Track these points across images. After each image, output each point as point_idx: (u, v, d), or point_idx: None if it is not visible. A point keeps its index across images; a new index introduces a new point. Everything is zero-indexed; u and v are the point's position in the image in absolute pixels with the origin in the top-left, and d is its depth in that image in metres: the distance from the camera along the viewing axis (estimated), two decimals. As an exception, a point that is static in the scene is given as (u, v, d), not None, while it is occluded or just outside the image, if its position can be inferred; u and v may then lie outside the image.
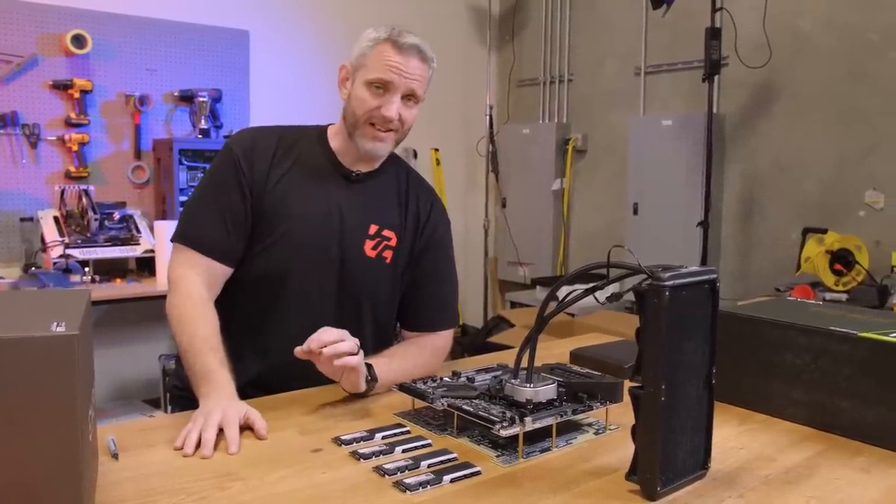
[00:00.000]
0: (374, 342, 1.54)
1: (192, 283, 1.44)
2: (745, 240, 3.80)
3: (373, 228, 1.55)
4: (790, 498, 1.00)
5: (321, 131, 1.60)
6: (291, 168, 1.52)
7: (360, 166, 1.56)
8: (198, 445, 1.14)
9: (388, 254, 1.56)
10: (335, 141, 1.57)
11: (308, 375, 1.35)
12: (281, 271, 1.50)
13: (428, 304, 1.62)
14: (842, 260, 3.03)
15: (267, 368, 1.51)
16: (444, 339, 1.60)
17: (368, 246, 1.54)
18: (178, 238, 1.50)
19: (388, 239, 1.56)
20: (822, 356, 1.24)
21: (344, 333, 1.29)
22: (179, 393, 1.57)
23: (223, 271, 1.48)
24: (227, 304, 1.50)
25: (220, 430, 1.17)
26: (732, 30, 3.55)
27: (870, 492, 1.02)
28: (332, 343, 1.26)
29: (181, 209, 1.58)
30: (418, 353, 1.53)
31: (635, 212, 4.07)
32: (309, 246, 1.50)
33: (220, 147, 1.57)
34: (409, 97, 1.49)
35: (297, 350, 1.26)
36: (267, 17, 4.00)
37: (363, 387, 1.35)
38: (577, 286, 1.12)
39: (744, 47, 3.58)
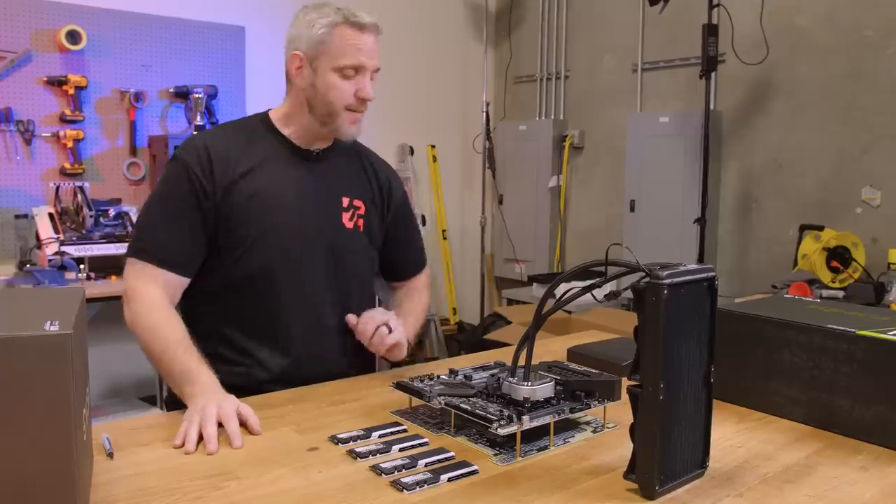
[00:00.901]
0: (359, 300, 1.63)
1: (152, 293, 1.42)
2: (742, 237, 3.80)
3: (345, 201, 1.61)
4: (789, 496, 1.00)
5: (264, 120, 1.60)
6: (253, 163, 1.53)
7: (318, 145, 1.60)
8: (199, 442, 1.14)
9: (360, 222, 1.63)
10: (288, 128, 1.58)
11: (331, 362, 1.56)
12: (278, 263, 1.52)
13: (408, 256, 1.80)
14: (838, 257, 3.03)
15: (290, 362, 1.53)
16: (425, 276, 1.84)
17: (345, 218, 1.60)
18: (132, 253, 1.47)
19: (358, 208, 1.63)
20: (820, 354, 1.24)
21: (386, 315, 1.49)
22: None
23: (180, 282, 1.48)
24: (232, 309, 1.52)
25: (218, 426, 1.18)
26: (729, 26, 3.55)
27: (868, 490, 1.02)
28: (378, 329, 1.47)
29: (136, 222, 1.57)
30: (419, 300, 1.77)
31: (632, 209, 4.07)
32: (296, 232, 1.53)
33: (171, 160, 1.54)
34: (375, 72, 1.53)
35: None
36: (263, 12, 3.98)
37: (405, 355, 1.53)
38: (574, 284, 1.12)
39: (741, 44, 3.58)
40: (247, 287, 1.51)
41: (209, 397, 1.24)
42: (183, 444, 1.13)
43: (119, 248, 3.24)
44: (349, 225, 1.60)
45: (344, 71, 1.49)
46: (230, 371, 1.46)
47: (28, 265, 3.07)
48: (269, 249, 1.51)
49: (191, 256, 1.48)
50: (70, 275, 3.03)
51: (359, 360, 1.63)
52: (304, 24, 1.52)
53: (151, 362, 1.39)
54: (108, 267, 3.23)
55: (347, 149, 1.65)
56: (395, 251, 1.75)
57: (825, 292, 2.97)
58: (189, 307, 1.55)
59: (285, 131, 1.58)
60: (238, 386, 1.35)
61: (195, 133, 1.59)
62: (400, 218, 1.74)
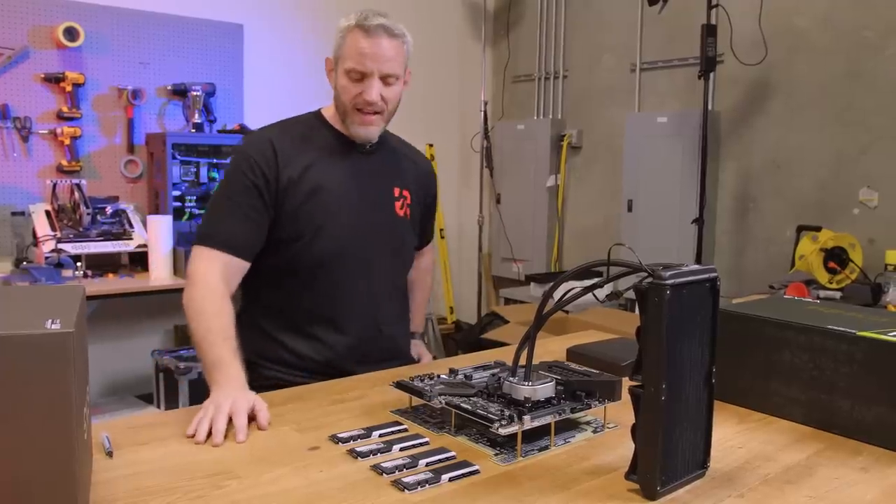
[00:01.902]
0: (401, 272, 1.79)
1: (210, 277, 1.50)
2: (740, 237, 3.81)
3: (396, 191, 1.74)
4: (789, 497, 1.00)
5: (318, 116, 1.71)
6: (312, 156, 1.63)
7: (366, 140, 1.70)
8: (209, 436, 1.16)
9: (407, 211, 1.76)
10: (336, 122, 1.69)
11: (376, 350, 1.68)
12: (340, 246, 1.63)
13: (425, 234, 1.94)
14: (836, 258, 3.04)
15: (341, 350, 1.64)
16: (430, 254, 2.02)
17: (397, 207, 1.74)
18: (197, 240, 1.57)
19: (405, 198, 1.76)
20: (820, 355, 1.24)
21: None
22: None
23: (240, 266, 1.57)
24: (295, 293, 1.63)
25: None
26: (728, 27, 3.55)
27: (869, 491, 1.02)
28: None
29: (204, 213, 1.70)
30: (424, 286, 1.98)
31: (630, 209, 4.07)
32: (356, 223, 1.64)
33: (235, 154, 1.64)
34: (388, 76, 1.59)
35: None
36: (261, 10, 3.97)
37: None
38: (573, 283, 1.12)
39: (739, 44, 3.58)
40: (309, 274, 1.62)
41: (228, 391, 1.27)
42: (194, 436, 1.16)
43: (116, 246, 3.24)
44: (401, 213, 1.74)
45: (350, 74, 1.58)
46: (286, 351, 1.64)
47: (25, 263, 3.06)
48: (330, 240, 1.61)
49: (250, 242, 1.58)
50: (67, 272, 3.02)
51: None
52: (336, 29, 1.62)
53: (194, 344, 1.45)
54: (104, 265, 3.22)
55: (391, 142, 1.78)
56: (419, 230, 1.88)
57: (822, 293, 2.98)
58: (254, 286, 1.66)
59: (338, 127, 1.69)
60: (296, 365, 1.59)
61: (255, 130, 1.70)
62: (431, 206, 1.91)
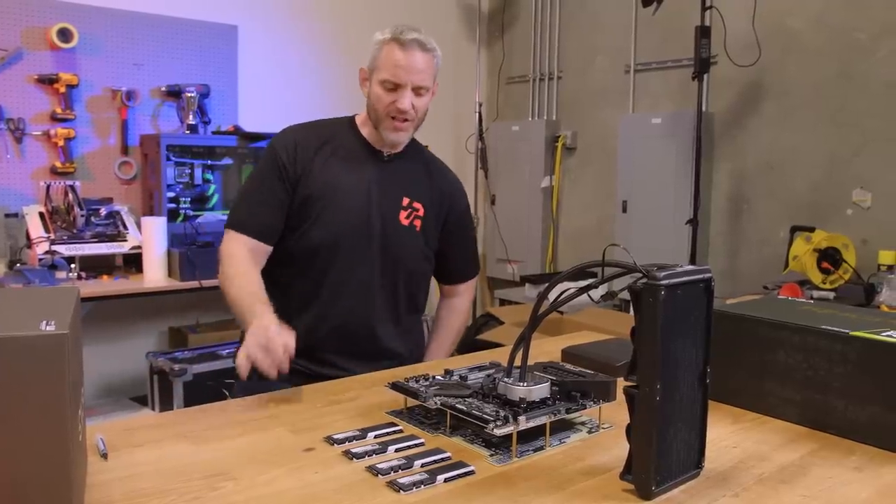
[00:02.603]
0: (406, 292, 1.81)
1: (239, 255, 1.68)
2: (734, 238, 3.82)
3: (405, 201, 1.79)
4: (784, 497, 1.00)
5: (351, 121, 1.83)
6: (332, 155, 1.75)
7: (389, 149, 1.79)
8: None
9: (417, 223, 1.80)
10: (365, 129, 1.79)
11: (358, 343, 1.74)
12: (332, 239, 1.71)
13: (457, 260, 1.96)
14: (829, 258, 3.05)
15: (322, 336, 1.72)
16: (468, 295, 2.02)
17: (402, 216, 1.78)
18: (227, 225, 1.74)
19: (417, 210, 1.80)
20: (814, 355, 1.24)
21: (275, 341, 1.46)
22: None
23: (264, 249, 1.72)
24: (292, 276, 1.74)
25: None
26: (722, 28, 3.56)
27: (863, 490, 1.03)
28: None
29: (234, 201, 1.87)
30: (451, 327, 1.99)
31: (624, 209, 4.08)
32: (354, 216, 1.73)
33: (265, 150, 1.80)
34: (419, 88, 1.70)
35: None
36: (255, 11, 3.97)
37: None
38: (568, 284, 1.12)
39: (733, 46, 3.59)
40: (302, 262, 1.73)
41: (268, 319, 1.45)
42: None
43: (110, 248, 3.23)
44: (405, 222, 1.78)
45: (384, 84, 1.69)
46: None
47: (18, 264, 3.06)
48: (324, 229, 1.71)
49: (272, 227, 1.72)
50: (61, 274, 3.01)
51: (407, 349, 1.84)
52: (372, 42, 1.72)
53: (231, 308, 1.61)
54: (99, 266, 3.22)
55: (418, 157, 1.86)
56: (449, 256, 1.91)
57: (816, 293, 2.99)
58: (266, 269, 1.76)
59: (363, 131, 1.79)
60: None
61: (286, 128, 1.83)
62: (458, 227, 1.91)
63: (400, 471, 1.04)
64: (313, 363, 1.71)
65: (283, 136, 1.78)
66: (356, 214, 1.73)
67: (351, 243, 1.73)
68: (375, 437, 1.17)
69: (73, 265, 3.07)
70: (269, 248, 1.73)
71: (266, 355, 1.36)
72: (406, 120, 1.71)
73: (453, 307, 2.00)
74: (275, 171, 1.72)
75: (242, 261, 1.67)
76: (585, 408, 1.19)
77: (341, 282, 1.73)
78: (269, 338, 1.38)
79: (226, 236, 1.73)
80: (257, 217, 1.72)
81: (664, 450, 0.99)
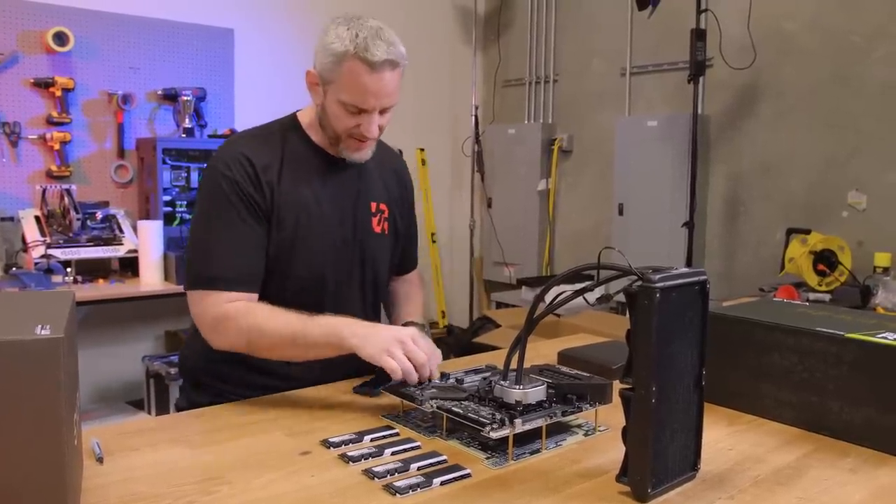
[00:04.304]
0: (373, 299, 1.64)
1: (238, 307, 1.40)
2: (730, 240, 3.82)
3: (373, 206, 1.61)
4: (780, 499, 1.00)
5: (294, 124, 1.56)
6: (291, 171, 1.50)
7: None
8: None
9: (386, 226, 1.63)
10: (315, 133, 1.54)
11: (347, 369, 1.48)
12: (318, 271, 1.52)
13: (410, 253, 1.79)
14: (825, 260, 3.06)
15: (308, 366, 1.46)
16: (417, 272, 1.85)
17: (374, 223, 1.60)
18: (203, 285, 1.42)
19: (384, 212, 1.63)
20: (809, 357, 1.24)
21: (427, 349, 1.33)
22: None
23: (254, 300, 1.45)
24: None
25: None
26: (717, 31, 3.57)
27: (858, 492, 1.03)
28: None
29: (187, 251, 1.50)
30: (419, 291, 1.79)
31: (620, 212, 4.08)
32: (333, 242, 1.53)
33: (211, 175, 1.47)
34: (388, 108, 1.47)
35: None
36: (252, 15, 3.97)
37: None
38: (564, 287, 1.12)
39: (729, 48, 3.60)
40: (277, 298, 1.43)
41: (387, 329, 1.35)
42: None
43: (106, 252, 3.23)
44: (378, 230, 1.61)
45: (347, 106, 1.43)
46: (257, 365, 1.48)
47: (14, 268, 3.05)
48: (305, 257, 1.49)
49: (257, 272, 1.46)
50: (57, 278, 3.01)
51: None
52: (323, 42, 1.43)
53: (285, 353, 1.39)
54: (95, 270, 3.21)
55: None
56: (400, 246, 1.72)
57: (812, 295, 3.00)
58: None
59: (314, 136, 1.55)
60: (261, 385, 1.44)
61: (227, 142, 1.54)
62: (406, 213, 1.73)
63: (396, 474, 1.04)
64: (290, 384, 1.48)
65: (233, 161, 1.44)
66: (334, 236, 1.53)
67: (336, 269, 1.54)
68: (372, 440, 1.17)
69: (69, 269, 3.07)
70: (256, 297, 1.45)
71: (422, 367, 1.28)
72: (368, 140, 1.49)
73: (409, 279, 1.80)
74: (242, 205, 1.43)
75: (252, 307, 1.40)
76: (581, 410, 1.19)
77: (327, 308, 1.44)
78: (417, 346, 1.28)
79: (204, 299, 1.41)
80: (239, 266, 1.42)
81: (660, 452, 0.99)
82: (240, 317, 1.38)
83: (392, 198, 1.67)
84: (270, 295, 1.45)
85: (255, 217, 1.44)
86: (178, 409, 1.61)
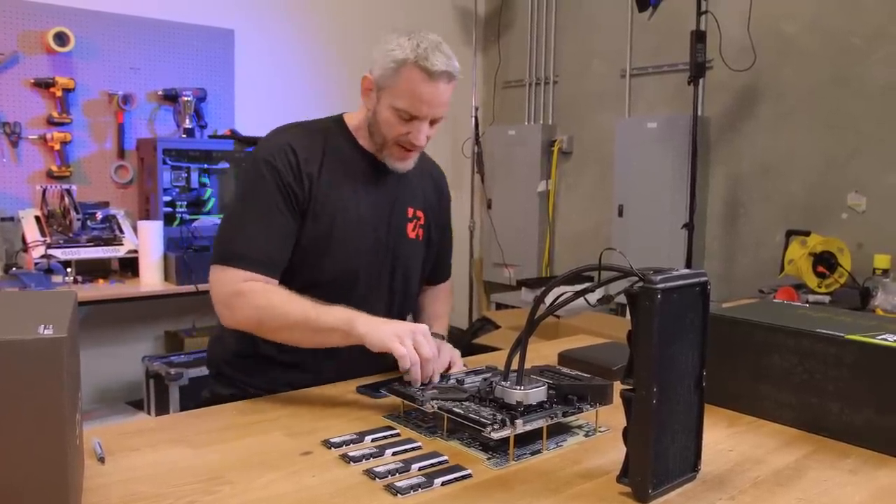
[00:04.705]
0: (400, 306, 1.66)
1: (254, 286, 1.42)
2: (730, 242, 3.83)
3: (410, 211, 1.64)
4: (779, 499, 1.00)
5: (341, 124, 1.60)
6: (335, 171, 1.53)
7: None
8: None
9: (420, 232, 1.66)
10: (362, 137, 1.58)
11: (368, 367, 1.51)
12: (350, 269, 1.54)
13: (444, 263, 1.82)
14: (824, 262, 3.06)
15: (333, 365, 1.50)
16: (450, 282, 1.88)
17: (409, 228, 1.63)
18: (223, 260, 1.44)
19: (419, 219, 1.66)
20: (809, 358, 1.25)
21: (433, 347, 1.34)
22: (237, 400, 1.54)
23: (273, 284, 1.46)
24: None
25: None
26: (717, 33, 3.57)
27: (858, 493, 1.03)
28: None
29: (218, 229, 1.52)
30: (445, 303, 1.82)
31: (620, 213, 4.09)
32: (368, 245, 1.56)
33: (254, 161, 1.50)
34: (438, 119, 1.51)
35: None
36: (252, 16, 3.97)
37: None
38: (564, 288, 1.12)
39: (729, 50, 3.61)
40: (314, 290, 1.45)
41: (395, 324, 1.35)
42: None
43: (106, 252, 3.23)
44: (412, 235, 1.64)
45: (399, 112, 1.46)
46: (280, 366, 1.53)
47: (14, 268, 3.05)
48: (336, 263, 1.52)
49: (281, 259, 1.48)
50: (57, 278, 3.01)
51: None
52: (383, 50, 1.46)
53: (293, 335, 1.40)
54: (95, 270, 3.21)
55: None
56: (433, 254, 1.75)
57: (812, 297, 3.00)
58: None
59: (361, 140, 1.58)
60: (285, 381, 1.47)
61: (273, 131, 1.57)
62: (443, 223, 1.77)
63: (397, 474, 1.04)
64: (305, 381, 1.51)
65: (279, 151, 1.49)
66: (370, 239, 1.56)
67: (368, 270, 1.57)
68: (373, 440, 1.17)
69: (69, 269, 3.07)
70: (276, 283, 1.47)
71: (428, 362, 1.29)
72: (415, 148, 1.53)
73: (440, 289, 1.84)
74: (279, 194, 1.46)
75: (268, 287, 1.42)
76: (582, 411, 1.20)
77: (359, 308, 1.42)
78: (427, 341, 1.30)
79: (222, 273, 1.43)
80: (266, 248, 1.45)
81: (661, 453, 0.99)
82: (254, 295, 1.40)
83: (429, 205, 1.69)
84: (299, 289, 1.45)
85: (289, 208, 1.47)
86: (203, 400, 1.62)
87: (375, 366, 1.53)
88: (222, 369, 1.63)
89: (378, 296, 1.60)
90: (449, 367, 1.44)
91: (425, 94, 1.44)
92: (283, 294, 1.41)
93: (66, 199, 3.26)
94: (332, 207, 1.51)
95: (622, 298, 1.00)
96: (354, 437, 1.18)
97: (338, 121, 1.61)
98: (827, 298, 2.99)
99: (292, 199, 1.47)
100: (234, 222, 1.49)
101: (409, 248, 1.63)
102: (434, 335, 1.50)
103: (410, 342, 1.29)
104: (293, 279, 1.48)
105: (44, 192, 3.27)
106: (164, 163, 3.43)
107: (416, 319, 1.77)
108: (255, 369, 1.57)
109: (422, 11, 4.63)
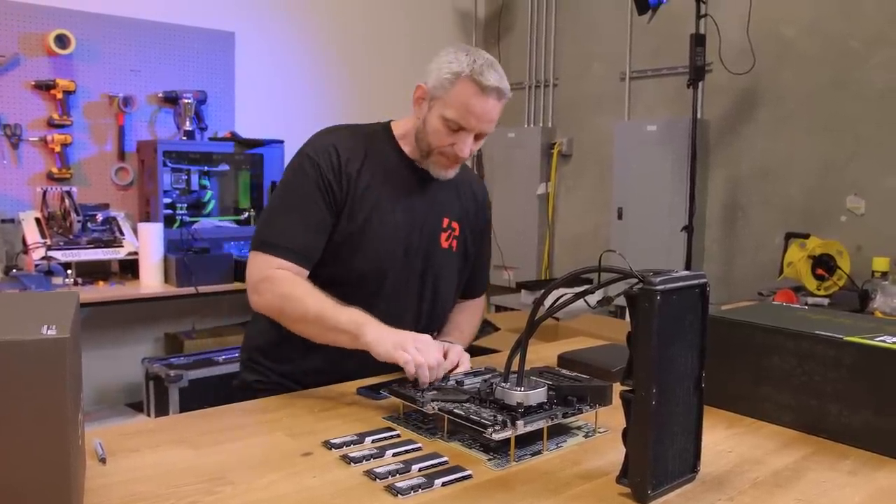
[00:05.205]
0: (428, 316, 1.67)
1: (284, 274, 1.48)
2: (729, 244, 3.83)
3: (445, 221, 1.67)
4: (778, 500, 1.01)
5: (388, 131, 1.66)
6: (374, 173, 1.58)
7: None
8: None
9: (454, 243, 1.69)
10: (407, 145, 1.63)
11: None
12: (378, 270, 1.58)
13: (477, 278, 1.82)
14: (824, 265, 3.07)
15: (354, 360, 1.48)
16: (482, 299, 1.87)
17: (443, 237, 1.66)
18: (258, 246, 1.52)
19: (454, 229, 1.69)
20: (808, 360, 1.25)
21: (435, 353, 1.36)
22: (261, 387, 1.63)
23: (302, 274, 1.52)
24: None
25: None
26: (717, 36, 3.58)
27: (856, 494, 1.03)
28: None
29: (260, 217, 1.60)
30: (472, 319, 1.80)
31: (620, 216, 4.09)
32: (398, 249, 1.59)
33: (299, 157, 1.58)
34: (484, 134, 1.55)
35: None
36: (252, 18, 3.98)
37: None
38: (564, 290, 1.13)
39: (728, 53, 3.61)
40: (337, 291, 1.48)
41: (399, 334, 1.37)
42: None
43: (106, 254, 3.23)
44: (445, 245, 1.66)
45: (448, 122, 1.51)
46: (305, 354, 1.57)
47: (14, 270, 3.05)
48: (366, 261, 1.56)
49: (314, 250, 1.54)
50: (57, 280, 3.01)
51: None
52: (440, 62, 1.53)
53: (308, 329, 1.45)
54: (95, 272, 3.22)
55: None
56: (469, 267, 1.77)
57: (811, 300, 3.01)
58: None
59: (405, 147, 1.63)
60: (314, 369, 1.53)
61: (320, 132, 1.63)
62: (480, 238, 1.79)
63: (398, 475, 1.04)
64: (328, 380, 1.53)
65: (322, 149, 1.56)
66: (402, 243, 1.59)
67: (397, 273, 1.59)
68: (373, 441, 1.18)
69: (69, 271, 3.07)
70: (306, 273, 1.53)
71: (431, 369, 1.31)
72: (459, 160, 1.58)
73: (471, 304, 1.84)
74: (319, 191, 1.53)
75: (295, 278, 1.48)
76: (582, 412, 1.20)
77: (377, 311, 1.46)
78: (429, 348, 1.34)
79: (257, 259, 1.51)
80: (299, 238, 1.51)
81: (660, 454, 1.00)
82: (281, 283, 1.47)
83: (466, 217, 1.72)
84: (327, 283, 1.49)
85: (327, 204, 1.53)
86: (233, 387, 1.70)
87: (394, 364, 1.52)
88: (252, 354, 1.68)
89: (406, 302, 1.62)
90: (454, 368, 1.45)
91: (476, 106, 1.49)
92: (307, 287, 1.46)
93: (67, 201, 3.26)
94: (369, 207, 1.56)
95: (622, 300, 1.01)
96: (355, 438, 1.18)
97: (385, 127, 1.67)
98: (826, 301, 3.00)
99: (330, 196, 1.53)
100: (273, 212, 1.58)
101: (441, 257, 1.66)
102: (444, 340, 1.54)
103: (413, 348, 1.33)
104: (323, 274, 1.53)
105: (44, 193, 3.28)
106: (165, 165, 3.44)
107: (441, 331, 1.75)
108: (282, 356, 1.62)
109: (422, 14, 4.64)
